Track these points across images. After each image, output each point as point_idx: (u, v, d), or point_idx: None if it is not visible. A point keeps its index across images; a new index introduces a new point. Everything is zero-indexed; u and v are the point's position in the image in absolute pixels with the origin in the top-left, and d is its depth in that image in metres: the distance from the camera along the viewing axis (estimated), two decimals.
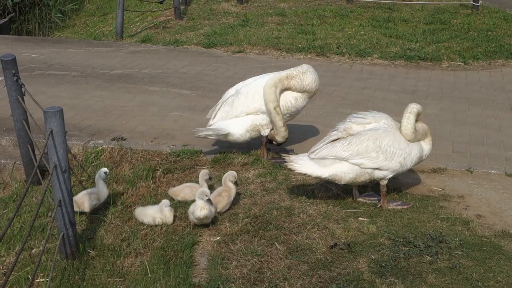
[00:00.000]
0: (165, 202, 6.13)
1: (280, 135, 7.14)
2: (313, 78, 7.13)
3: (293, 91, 7.13)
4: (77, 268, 5.47)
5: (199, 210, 5.87)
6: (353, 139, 6.10)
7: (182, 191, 6.54)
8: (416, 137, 6.28)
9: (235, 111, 7.17)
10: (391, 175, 6.24)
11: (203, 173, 6.54)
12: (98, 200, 6.35)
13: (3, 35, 14.57)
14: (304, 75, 7.10)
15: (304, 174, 6.30)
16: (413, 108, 6.25)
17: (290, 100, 7.14)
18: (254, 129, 7.23)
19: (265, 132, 7.24)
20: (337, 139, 6.21)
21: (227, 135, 7.22)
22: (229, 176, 6.40)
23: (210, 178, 6.58)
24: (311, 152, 6.16)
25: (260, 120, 7.18)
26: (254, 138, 7.36)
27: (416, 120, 6.28)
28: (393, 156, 6.12)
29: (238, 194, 6.52)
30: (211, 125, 7.29)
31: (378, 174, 6.18)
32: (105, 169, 6.41)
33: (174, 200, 6.50)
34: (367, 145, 6.07)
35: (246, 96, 7.16)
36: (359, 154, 6.06)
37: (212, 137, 7.36)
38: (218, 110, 7.31)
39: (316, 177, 6.34)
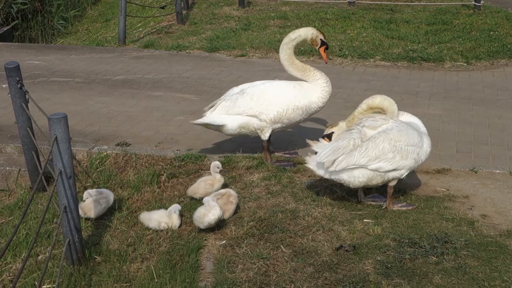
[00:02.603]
0: (176, 207, 6.15)
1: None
2: (328, 91, 7.17)
3: (297, 68, 7.19)
4: (83, 273, 5.48)
5: (212, 214, 5.89)
6: (369, 144, 6.08)
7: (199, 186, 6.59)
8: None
9: (236, 109, 7.16)
10: (406, 173, 6.25)
11: (214, 165, 6.59)
12: (107, 203, 6.36)
13: (6, 42, 14.63)
14: (329, 84, 7.19)
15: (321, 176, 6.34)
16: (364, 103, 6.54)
17: (289, 108, 7.11)
18: (246, 128, 7.20)
19: (265, 136, 7.23)
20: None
21: (221, 127, 7.24)
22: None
23: (221, 171, 6.63)
24: (329, 165, 6.09)
25: (255, 124, 7.17)
26: (256, 139, 7.39)
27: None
28: (408, 153, 6.13)
29: (242, 197, 6.55)
30: (207, 115, 7.30)
31: (394, 174, 6.18)
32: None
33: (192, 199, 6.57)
34: (383, 147, 6.06)
35: (251, 98, 7.16)
36: (377, 157, 6.05)
37: (207, 127, 7.38)
38: (219, 104, 7.29)
39: (325, 179, 6.34)
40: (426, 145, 6.29)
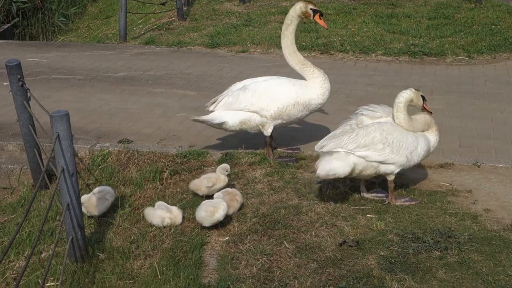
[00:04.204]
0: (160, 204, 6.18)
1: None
2: (327, 88, 7.14)
3: (297, 60, 7.18)
4: (86, 271, 5.48)
5: (221, 211, 5.89)
6: (360, 131, 6.10)
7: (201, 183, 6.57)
8: (415, 128, 6.28)
9: (238, 105, 7.16)
10: (398, 170, 6.23)
11: (222, 167, 6.57)
12: (112, 197, 6.35)
13: (7, 40, 14.61)
14: (326, 81, 7.14)
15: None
16: (400, 97, 6.25)
17: (290, 104, 7.10)
18: (247, 124, 7.20)
19: (268, 132, 7.22)
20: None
21: (221, 124, 7.24)
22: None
23: (229, 174, 6.62)
24: (320, 148, 6.15)
25: (257, 120, 7.16)
26: (258, 135, 7.39)
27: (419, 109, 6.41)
28: (400, 149, 6.10)
29: (245, 194, 6.55)
30: (209, 114, 7.29)
31: (384, 168, 6.17)
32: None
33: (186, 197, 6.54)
34: (374, 136, 6.06)
35: (253, 94, 7.16)
36: (365, 146, 6.04)
37: (205, 124, 7.37)
38: (222, 100, 7.29)
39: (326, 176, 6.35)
40: (420, 148, 6.25)
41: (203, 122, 7.31)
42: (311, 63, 7.26)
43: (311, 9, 7.16)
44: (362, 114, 6.31)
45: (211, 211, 5.88)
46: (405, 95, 6.27)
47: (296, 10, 7.17)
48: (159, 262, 5.56)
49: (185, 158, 7.37)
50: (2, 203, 7.05)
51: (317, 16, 7.20)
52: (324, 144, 6.14)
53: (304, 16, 7.19)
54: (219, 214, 5.87)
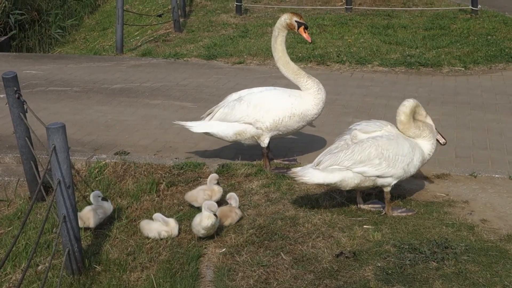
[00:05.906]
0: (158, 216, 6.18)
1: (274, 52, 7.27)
2: (320, 98, 7.14)
3: (291, 70, 7.17)
4: (83, 283, 5.47)
5: (207, 219, 5.87)
6: (355, 148, 6.10)
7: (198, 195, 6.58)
8: (412, 131, 6.30)
9: (233, 116, 7.17)
10: (395, 182, 6.24)
11: (212, 177, 6.59)
12: (104, 214, 6.35)
13: (4, 52, 14.63)
14: (320, 92, 7.13)
15: (310, 184, 6.30)
16: (404, 105, 6.28)
17: (285, 115, 7.11)
18: (242, 135, 7.20)
19: (264, 143, 7.22)
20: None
21: (216, 134, 7.28)
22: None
23: (218, 183, 6.63)
24: (317, 164, 6.15)
25: (252, 131, 7.17)
26: (254, 147, 7.39)
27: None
28: (396, 162, 6.12)
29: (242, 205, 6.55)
30: (200, 121, 7.37)
31: (381, 181, 6.18)
32: (97, 192, 6.48)
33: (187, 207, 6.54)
34: (369, 152, 6.07)
35: (248, 105, 7.16)
36: (361, 162, 6.06)
37: (196, 131, 7.40)
38: (217, 111, 7.30)
39: (320, 185, 6.35)
40: (416, 159, 6.26)
41: (187, 128, 7.35)
42: (305, 72, 7.26)
43: (296, 21, 7.15)
44: (355, 129, 6.32)
45: (197, 221, 5.90)
46: (408, 106, 6.29)
47: (281, 21, 7.17)
48: (156, 274, 5.55)
49: (182, 170, 7.37)
50: None
51: (301, 29, 7.17)
52: (321, 160, 6.14)
53: (289, 28, 7.19)
54: (204, 223, 5.86)
